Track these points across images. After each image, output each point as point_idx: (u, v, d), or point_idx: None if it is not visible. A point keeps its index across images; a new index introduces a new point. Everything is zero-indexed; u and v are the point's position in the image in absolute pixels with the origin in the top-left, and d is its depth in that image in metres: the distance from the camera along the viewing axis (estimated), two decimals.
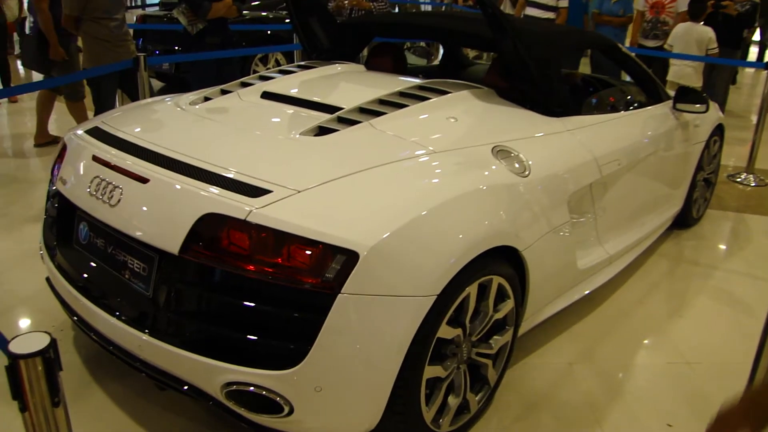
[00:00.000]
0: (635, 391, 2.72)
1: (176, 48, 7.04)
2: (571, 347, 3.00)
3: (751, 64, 6.69)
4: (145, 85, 4.18)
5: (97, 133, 2.49)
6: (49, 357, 1.14)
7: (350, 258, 1.81)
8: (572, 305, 2.98)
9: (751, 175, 5.68)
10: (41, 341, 1.12)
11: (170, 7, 7.69)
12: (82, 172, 2.33)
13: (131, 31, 5.65)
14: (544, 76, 2.88)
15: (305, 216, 1.88)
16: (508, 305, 2.38)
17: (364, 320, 1.86)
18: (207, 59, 4.75)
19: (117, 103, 5.22)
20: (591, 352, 2.97)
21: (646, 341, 3.12)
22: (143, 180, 2.10)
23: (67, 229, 2.44)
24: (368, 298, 1.85)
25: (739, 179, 5.67)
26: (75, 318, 2.36)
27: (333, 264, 1.82)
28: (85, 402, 2.46)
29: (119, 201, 2.12)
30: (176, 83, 7.34)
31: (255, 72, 7.46)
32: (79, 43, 5.15)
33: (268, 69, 7.37)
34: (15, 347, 1.13)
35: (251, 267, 1.87)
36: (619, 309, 3.37)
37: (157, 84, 8.30)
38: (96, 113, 4.91)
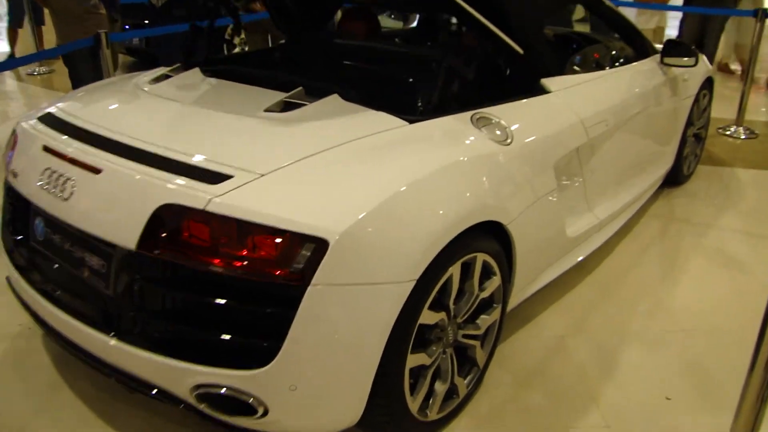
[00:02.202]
0: (630, 363, 2.62)
1: (146, 22, 6.79)
2: (561, 319, 2.89)
3: (740, 13, 6.47)
4: (108, 63, 3.97)
5: (49, 120, 2.32)
6: None
7: (319, 246, 1.67)
8: (562, 274, 2.86)
9: (741, 128, 5.56)
10: None
11: None
12: (32, 164, 2.17)
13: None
14: (527, 34, 2.71)
15: (269, 202, 1.73)
16: (495, 282, 2.25)
17: (338, 312, 1.73)
18: (174, 33, 4.54)
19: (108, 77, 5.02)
20: (583, 323, 2.86)
21: (639, 308, 3.01)
22: (96, 170, 1.94)
23: (23, 225, 2.28)
24: (341, 289, 1.71)
25: (728, 132, 5.55)
26: (36, 319, 2.22)
27: (301, 253, 1.68)
28: (54, 402, 2.33)
29: (72, 194, 1.97)
30: (147, 59, 7.10)
31: (227, 43, 7.25)
32: None
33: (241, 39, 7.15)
34: None
35: (214, 260, 1.72)
36: (611, 275, 3.26)
37: (128, 60, 8.06)
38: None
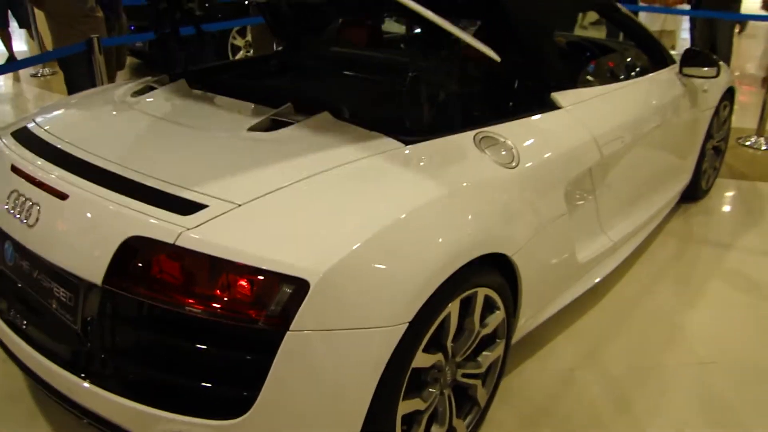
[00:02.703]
0: (645, 400, 2.43)
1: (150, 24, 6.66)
2: (572, 349, 2.70)
3: (756, 18, 6.25)
4: (101, 68, 3.83)
5: (22, 136, 2.17)
6: None
7: (299, 287, 1.50)
8: (572, 301, 2.68)
9: (762, 138, 5.33)
10: None
11: None
12: (1, 184, 2.02)
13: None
14: (536, 45, 2.53)
15: (246, 237, 1.57)
16: (498, 317, 2.08)
17: (321, 359, 1.56)
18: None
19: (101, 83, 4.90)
20: (594, 355, 2.68)
21: (654, 338, 2.81)
22: (62, 196, 1.78)
23: None
24: (324, 334, 1.54)
25: (749, 143, 5.33)
26: (5, 351, 2.07)
27: (279, 295, 1.51)
28: None
29: (37, 220, 1.81)
30: (151, 61, 6.98)
31: (232, 46, 7.11)
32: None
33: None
34: None
35: (185, 299, 1.56)
36: (624, 301, 3.07)
37: (134, 61, 7.94)
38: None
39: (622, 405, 2.40)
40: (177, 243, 1.55)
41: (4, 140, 2.18)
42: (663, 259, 3.48)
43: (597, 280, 2.78)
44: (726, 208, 4.18)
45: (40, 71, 7.66)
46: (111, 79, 4.71)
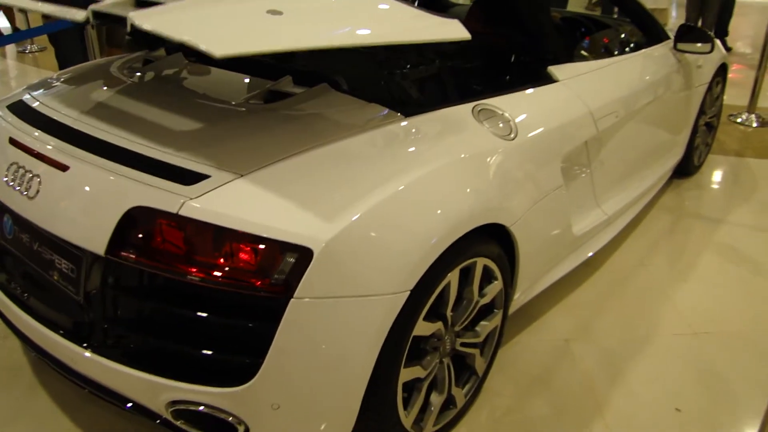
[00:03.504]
0: (639, 370, 2.47)
1: None
2: (567, 321, 2.74)
3: None
4: (94, 42, 3.79)
5: (18, 109, 2.16)
6: None
7: (303, 256, 1.52)
8: (567, 273, 2.71)
9: (753, 115, 5.37)
10: None
11: None
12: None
13: None
14: (533, 19, 2.53)
15: (248, 206, 1.58)
16: (496, 287, 2.10)
17: (324, 327, 1.58)
18: None
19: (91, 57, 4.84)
20: (589, 326, 2.71)
21: (648, 310, 2.86)
22: (63, 167, 1.78)
23: None
24: (327, 302, 1.56)
25: (740, 119, 5.36)
26: (7, 325, 2.07)
27: (283, 264, 1.52)
28: (32, 407, 2.20)
29: (38, 192, 1.81)
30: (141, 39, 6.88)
31: None
32: None
33: None
34: None
35: (189, 269, 1.57)
36: (618, 273, 3.11)
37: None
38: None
39: (616, 375, 2.44)
40: (180, 212, 1.55)
41: (0, 114, 2.17)
42: (656, 232, 3.52)
43: (591, 253, 2.81)
44: (717, 184, 4.22)
45: (28, 47, 7.56)
46: (105, 55, 4.66)
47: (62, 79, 2.47)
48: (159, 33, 1.43)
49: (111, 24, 1.56)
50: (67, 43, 4.35)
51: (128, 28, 1.48)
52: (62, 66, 4.48)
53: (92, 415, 2.18)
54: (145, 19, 1.47)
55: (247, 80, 2.30)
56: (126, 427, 2.13)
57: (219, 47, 1.38)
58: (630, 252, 3.30)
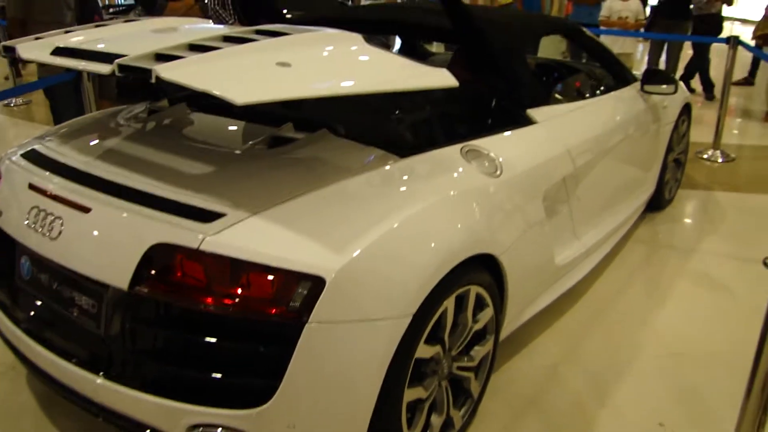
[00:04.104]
0: (623, 390, 2.62)
1: None
2: (554, 347, 2.89)
3: (715, 40, 6.69)
4: (90, 96, 3.95)
5: (34, 157, 2.29)
6: None
7: (316, 284, 1.66)
8: (552, 302, 2.87)
9: (718, 151, 5.65)
10: None
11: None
12: (18, 202, 2.14)
13: None
14: (511, 67, 2.74)
15: (264, 240, 1.72)
16: (488, 314, 2.25)
17: (336, 349, 1.71)
18: None
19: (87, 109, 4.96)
20: (575, 351, 2.87)
21: (629, 334, 3.02)
22: (85, 209, 1.91)
23: (8, 264, 2.23)
24: (338, 326, 1.70)
25: (706, 156, 5.64)
26: (22, 360, 2.17)
27: (298, 292, 1.66)
28: None
29: (60, 233, 1.94)
30: (129, 92, 7.05)
31: None
32: None
33: None
34: None
35: (209, 300, 1.70)
36: (600, 302, 3.28)
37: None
38: (54, 124, 4.67)
39: (603, 395, 2.59)
40: (201, 248, 1.69)
41: (15, 161, 2.30)
42: (632, 263, 3.71)
43: (574, 282, 2.97)
44: (688, 216, 4.44)
45: (13, 101, 7.68)
46: (98, 107, 4.78)
47: (71, 129, 2.61)
48: (183, 83, 1.59)
49: (135, 75, 1.70)
50: (62, 97, 4.49)
51: (152, 80, 1.63)
52: (57, 119, 4.59)
53: None
54: (168, 72, 1.63)
55: (248, 127, 2.46)
56: None
57: (240, 96, 1.55)
58: (609, 282, 3.47)
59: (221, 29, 2.27)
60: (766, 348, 1.85)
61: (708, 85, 7.77)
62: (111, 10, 11.20)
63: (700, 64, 7.69)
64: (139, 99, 2.86)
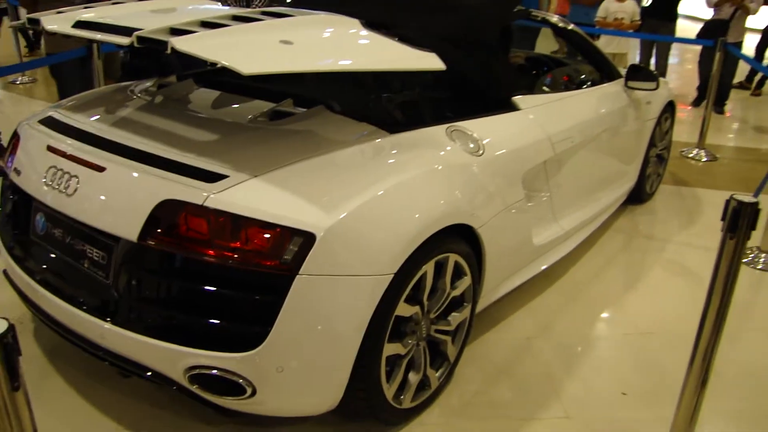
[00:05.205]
0: (592, 362, 2.81)
1: None
2: (529, 322, 3.08)
3: (700, 42, 6.88)
4: (99, 74, 4.12)
5: (50, 123, 2.47)
6: (8, 342, 1.16)
7: (307, 239, 1.85)
8: (530, 281, 3.06)
9: (703, 151, 5.84)
10: None
11: None
12: (37, 163, 2.31)
13: None
14: (489, 59, 2.90)
15: (262, 200, 1.90)
16: (465, 282, 2.44)
17: (323, 300, 1.90)
18: None
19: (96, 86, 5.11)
20: (549, 327, 3.06)
21: (602, 314, 3.22)
22: (99, 169, 2.09)
23: (24, 220, 2.42)
24: (326, 279, 1.88)
25: (690, 155, 5.82)
26: (34, 309, 2.35)
27: (291, 246, 1.85)
28: (45, 391, 2.46)
29: (76, 190, 2.12)
30: (131, 72, 7.20)
31: None
32: None
33: None
34: None
35: (210, 251, 1.88)
36: (576, 283, 3.47)
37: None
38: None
39: (571, 366, 2.78)
40: (205, 204, 1.87)
41: (33, 126, 2.48)
42: (611, 251, 3.90)
43: (551, 262, 3.16)
44: (668, 210, 4.61)
45: (19, 79, 7.83)
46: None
47: (85, 99, 2.79)
48: (196, 54, 1.77)
49: (152, 47, 1.87)
50: (69, 75, 4.66)
51: (168, 50, 1.81)
52: (62, 96, 4.76)
53: (105, 399, 2.44)
54: (183, 44, 1.81)
55: (251, 102, 2.63)
56: (133, 407, 2.40)
57: (246, 67, 1.73)
58: (587, 266, 3.66)
59: (230, 9, 2.45)
60: (707, 324, 2.04)
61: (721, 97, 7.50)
62: None
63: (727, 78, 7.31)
64: (143, 78, 3.04)
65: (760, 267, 3.77)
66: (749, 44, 7.99)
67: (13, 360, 1.15)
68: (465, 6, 2.82)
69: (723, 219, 1.89)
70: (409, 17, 2.66)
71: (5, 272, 2.54)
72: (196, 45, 1.83)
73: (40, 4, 4.61)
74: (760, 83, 8.65)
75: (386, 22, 2.40)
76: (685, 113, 7.33)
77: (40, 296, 2.27)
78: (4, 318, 1.17)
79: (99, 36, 2.08)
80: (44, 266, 2.32)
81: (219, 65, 1.76)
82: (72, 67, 4.65)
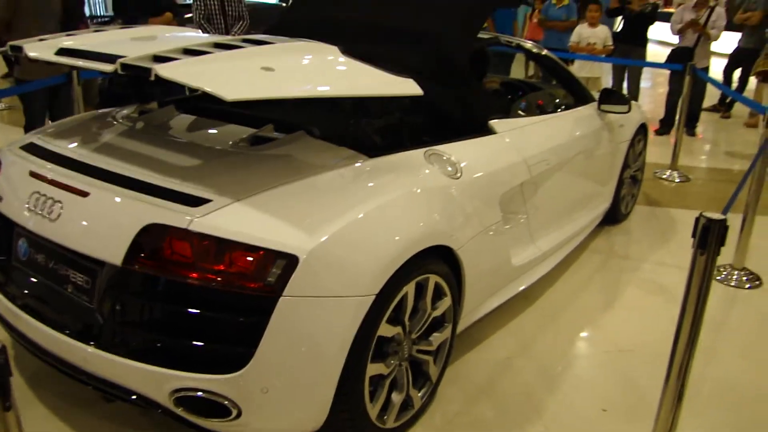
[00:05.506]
0: (572, 380, 2.86)
1: None
2: (509, 342, 3.12)
3: (667, 66, 7.07)
4: (79, 100, 4.15)
5: (32, 149, 2.49)
6: (0, 362, 1.18)
7: (290, 262, 1.88)
8: (509, 301, 3.10)
9: (675, 172, 5.98)
10: None
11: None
12: (19, 188, 2.33)
13: None
14: (466, 84, 2.97)
15: (245, 223, 1.93)
16: (446, 303, 2.48)
17: (307, 321, 1.93)
18: None
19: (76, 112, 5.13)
20: (529, 346, 3.10)
21: (581, 333, 3.27)
22: (83, 194, 2.11)
23: (5, 246, 2.42)
24: (309, 300, 1.91)
25: (664, 176, 5.95)
26: (16, 335, 2.35)
27: (274, 268, 1.88)
28: (29, 418, 2.40)
29: (59, 215, 2.13)
30: (110, 99, 7.22)
31: None
32: None
33: None
34: None
35: (194, 274, 1.91)
36: (555, 303, 3.52)
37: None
38: (26, 128, 4.85)
39: (552, 384, 2.82)
40: (189, 228, 1.90)
41: (15, 152, 2.50)
42: (588, 271, 3.97)
43: (530, 282, 3.21)
44: (643, 230, 4.70)
45: None
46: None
47: (66, 126, 2.81)
48: (179, 81, 1.81)
49: (135, 74, 1.91)
50: (38, 101, 4.70)
51: (152, 77, 1.85)
52: (28, 122, 4.79)
53: (88, 425, 2.43)
54: (167, 71, 1.85)
55: (232, 128, 2.67)
56: (117, 429, 2.40)
57: (229, 93, 1.77)
58: (564, 286, 3.72)
59: (211, 37, 2.49)
60: (680, 343, 2.10)
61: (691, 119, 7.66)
62: (95, 21, 11.39)
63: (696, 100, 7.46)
64: (121, 105, 3.07)
65: (733, 284, 3.86)
66: (716, 68, 8.22)
67: (5, 380, 1.16)
68: (427, 38, 2.88)
69: (693, 236, 1.95)
70: (380, 49, 2.71)
71: None
72: (180, 72, 1.87)
73: (13, 31, 4.63)
74: (729, 105, 8.88)
75: (360, 52, 2.46)
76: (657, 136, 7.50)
77: (22, 321, 2.27)
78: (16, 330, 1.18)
79: (83, 63, 2.11)
80: (26, 291, 2.32)
81: (202, 91, 1.80)
82: (42, 95, 4.67)
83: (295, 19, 3.13)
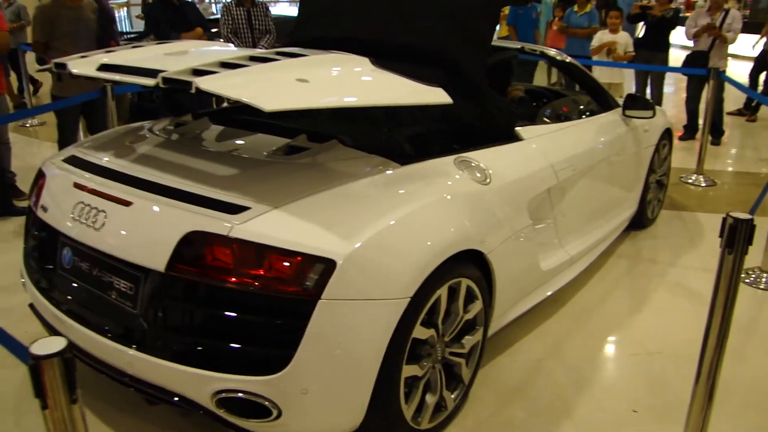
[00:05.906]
0: (602, 382, 2.88)
1: None
2: (539, 345, 3.16)
3: (691, 71, 7.06)
4: (113, 114, 4.27)
5: (74, 161, 2.58)
6: (67, 357, 1.25)
7: (328, 266, 1.94)
8: (538, 305, 3.14)
9: (701, 176, 5.96)
10: (59, 344, 1.23)
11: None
12: (64, 199, 2.42)
13: None
14: (487, 94, 3.01)
15: (283, 229, 2.00)
16: (477, 306, 2.52)
17: (344, 324, 1.99)
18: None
19: (80, 134, 5.29)
20: (559, 349, 3.13)
21: (609, 335, 3.29)
22: (126, 203, 2.20)
23: (50, 255, 2.51)
24: (347, 303, 1.97)
25: (690, 180, 5.94)
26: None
27: (312, 273, 1.94)
28: None
29: (103, 225, 2.22)
30: (140, 113, 7.38)
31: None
32: None
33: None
34: (36, 350, 1.24)
35: (235, 279, 1.98)
36: (583, 307, 3.55)
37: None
38: (59, 142, 5.00)
39: (583, 387, 2.85)
40: (230, 235, 1.97)
41: (58, 165, 2.60)
42: (615, 275, 3.99)
43: (558, 287, 3.25)
44: (669, 235, 4.71)
45: (29, 121, 8.01)
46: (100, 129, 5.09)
47: (105, 139, 2.91)
48: (219, 93, 1.89)
49: (176, 88, 1.99)
50: (70, 118, 4.90)
51: (192, 90, 1.93)
52: (62, 135, 5.01)
53: (129, 424, 2.51)
54: (207, 83, 1.93)
55: (266, 138, 2.75)
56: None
57: (267, 104, 1.85)
58: (593, 290, 3.75)
59: (246, 50, 2.58)
60: (710, 339, 2.13)
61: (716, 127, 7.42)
62: (124, 36, 11.60)
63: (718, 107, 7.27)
64: (151, 119, 3.16)
65: (762, 287, 3.86)
66: (738, 71, 8.18)
67: (72, 375, 1.23)
68: (444, 59, 2.89)
69: (720, 236, 1.98)
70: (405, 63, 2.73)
71: (32, 306, 2.63)
72: (219, 84, 1.95)
73: (51, 49, 4.79)
74: (755, 109, 8.82)
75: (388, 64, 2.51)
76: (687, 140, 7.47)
77: (66, 326, 2.35)
78: (62, 335, 1.26)
79: (122, 78, 2.20)
80: (71, 298, 2.41)
81: (241, 102, 1.88)
82: (75, 111, 4.84)
83: (305, 39, 3.20)
